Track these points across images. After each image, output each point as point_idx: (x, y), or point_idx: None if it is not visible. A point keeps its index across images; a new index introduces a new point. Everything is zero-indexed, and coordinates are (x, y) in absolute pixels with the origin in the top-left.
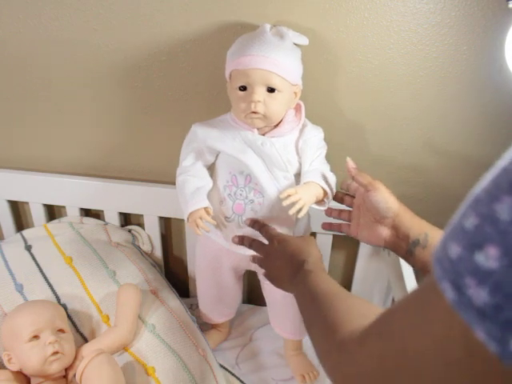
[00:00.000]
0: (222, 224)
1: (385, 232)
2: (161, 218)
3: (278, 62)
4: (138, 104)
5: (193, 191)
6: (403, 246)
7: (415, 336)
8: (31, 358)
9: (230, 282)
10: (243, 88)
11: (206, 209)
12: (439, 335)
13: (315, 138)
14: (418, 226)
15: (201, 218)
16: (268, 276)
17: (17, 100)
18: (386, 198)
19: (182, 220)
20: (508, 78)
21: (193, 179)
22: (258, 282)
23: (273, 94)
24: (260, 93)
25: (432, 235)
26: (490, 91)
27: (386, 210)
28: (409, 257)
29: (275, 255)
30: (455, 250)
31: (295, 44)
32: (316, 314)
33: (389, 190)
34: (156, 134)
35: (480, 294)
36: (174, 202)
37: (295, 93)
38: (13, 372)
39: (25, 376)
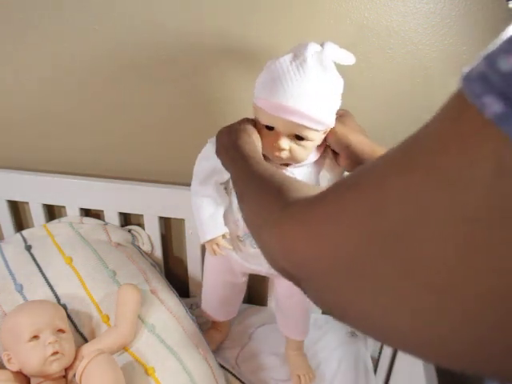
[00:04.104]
0: (238, 244)
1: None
2: (161, 218)
3: (313, 116)
4: (138, 104)
5: (209, 216)
6: None
7: (417, 180)
8: (31, 358)
9: (239, 283)
10: (269, 127)
11: (223, 235)
12: (460, 164)
13: (336, 168)
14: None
15: (217, 244)
16: None
17: (16, 100)
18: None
19: (182, 220)
20: None
21: (208, 201)
22: (258, 281)
23: (302, 142)
24: (287, 141)
25: None
26: None
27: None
28: None
29: None
30: (511, 62)
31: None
32: (257, 177)
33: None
34: (156, 134)
35: None
36: (174, 202)
37: (325, 132)
38: (13, 372)
39: (25, 376)
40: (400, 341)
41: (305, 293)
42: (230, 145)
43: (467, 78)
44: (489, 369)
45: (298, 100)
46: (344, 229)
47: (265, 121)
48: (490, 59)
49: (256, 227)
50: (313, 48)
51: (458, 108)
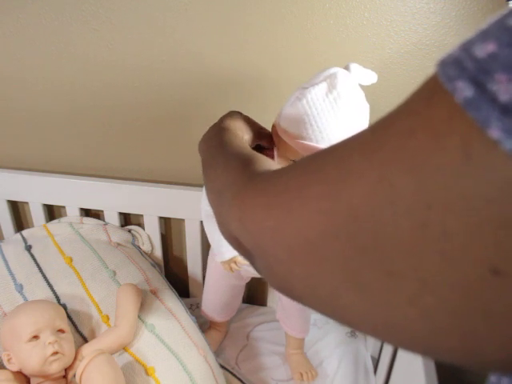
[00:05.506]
0: None
1: None
2: (161, 218)
3: None
4: (138, 104)
5: None
6: None
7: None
8: (31, 358)
9: (241, 285)
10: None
11: None
12: (428, 149)
13: None
14: None
15: (235, 263)
16: None
17: (16, 100)
18: None
19: (182, 220)
20: None
21: None
22: (258, 281)
23: None
24: None
25: None
26: None
27: None
28: None
29: None
30: (487, 49)
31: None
32: (226, 147)
33: None
34: (156, 134)
35: (510, 89)
36: (174, 202)
37: None
38: (13, 372)
39: (25, 376)
40: (354, 321)
41: (252, 264)
42: (211, 128)
43: (443, 63)
44: (446, 354)
45: (330, 142)
46: (303, 204)
47: (293, 156)
48: (467, 46)
49: (217, 193)
50: (342, 77)
51: (431, 91)
